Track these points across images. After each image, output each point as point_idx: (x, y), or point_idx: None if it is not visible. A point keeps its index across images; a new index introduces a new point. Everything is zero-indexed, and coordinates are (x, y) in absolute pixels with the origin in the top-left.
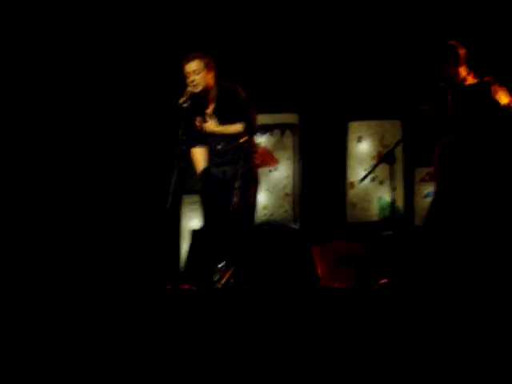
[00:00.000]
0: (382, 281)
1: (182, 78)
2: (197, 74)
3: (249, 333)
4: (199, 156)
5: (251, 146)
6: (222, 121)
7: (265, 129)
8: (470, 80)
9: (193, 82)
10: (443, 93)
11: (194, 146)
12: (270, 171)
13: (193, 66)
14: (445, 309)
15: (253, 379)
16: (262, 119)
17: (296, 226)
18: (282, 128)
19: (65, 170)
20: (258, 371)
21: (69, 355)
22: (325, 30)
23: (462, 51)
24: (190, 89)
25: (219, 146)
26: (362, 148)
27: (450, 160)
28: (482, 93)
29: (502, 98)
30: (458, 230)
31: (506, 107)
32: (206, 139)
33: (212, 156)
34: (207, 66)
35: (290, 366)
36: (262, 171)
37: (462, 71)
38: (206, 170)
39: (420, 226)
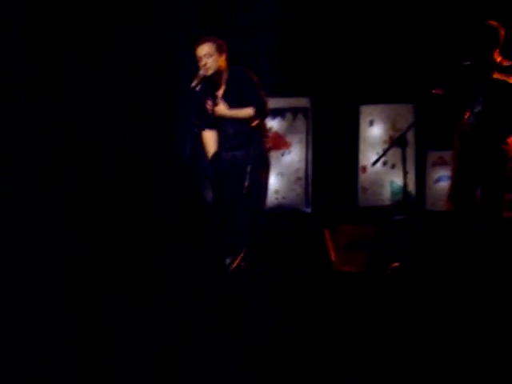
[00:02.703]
0: (394, 264)
1: (194, 62)
2: (208, 57)
3: (261, 316)
4: (210, 140)
5: (262, 130)
6: (233, 104)
7: (277, 112)
8: (503, 63)
9: (205, 65)
10: (469, 75)
11: (204, 129)
12: (282, 155)
13: (205, 50)
14: (457, 294)
15: (263, 363)
16: (274, 103)
17: (308, 210)
18: (294, 112)
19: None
20: (267, 355)
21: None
22: (337, 12)
23: (502, 33)
24: (202, 72)
25: (230, 130)
26: (374, 132)
27: (469, 147)
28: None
29: None
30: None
31: None
32: (217, 123)
33: (222, 140)
34: (219, 49)
35: (302, 349)
36: (274, 155)
37: (497, 55)
38: (216, 155)
39: (432, 210)
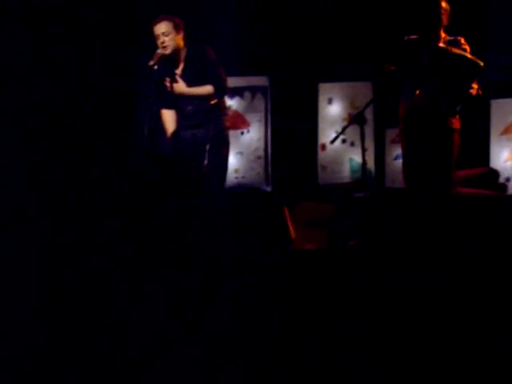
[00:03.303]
0: (353, 242)
1: (152, 39)
2: (166, 35)
3: (224, 294)
4: (169, 118)
5: (221, 109)
6: (192, 82)
7: (235, 92)
8: (445, 38)
9: (163, 43)
10: (416, 49)
11: (163, 107)
12: (241, 134)
13: (162, 28)
14: (414, 270)
15: (222, 343)
16: (233, 82)
17: (268, 189)
18: (253, 90)
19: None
20: (228, 336)
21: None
22: None
23: (447, 7)
24: (160, 51)
25: (189, 108)
26: (333, 110)
27: (415, 122)
28: (458, 57)
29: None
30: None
31: None
32: (176, 101)
33: (181, 119)
34: (176, 28)
35: (264, 328)
36: (233, 134)
37: (442, 31)
38: (175, 133)
39: (391, 187)
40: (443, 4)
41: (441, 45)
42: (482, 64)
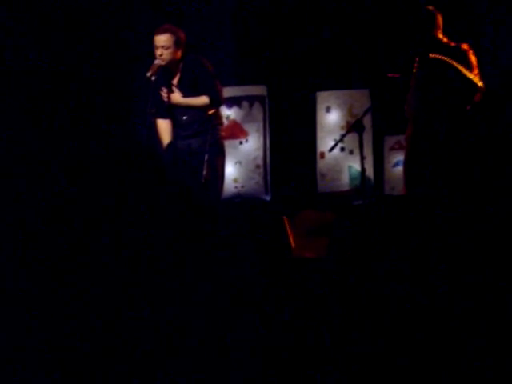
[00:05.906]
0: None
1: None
2: (166, 49)
3: (225, 304)
4: (164, 129)
5: (217, 118)
6: (188, 93)
7: (233, 101)
8: (449, 45)
9: (161, 55)
10: (420, 59)
11: (159, 117)
12: (240, 143)
13: (162, 41)
14: (414, 277)
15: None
16: (231, 91)
17: (267, 198)
18: (251, 100)
19: None
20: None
21: None
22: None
23: (439, 16)
24: (157, 62)
25: (185, 118)
26: (331, 118)
27: (419, 127)
28: (458, 66)
29: (474, 69)
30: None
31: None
32: (171, 112)
33: (177, 129)
34: (177, 43)
35: (264, 337)
36: (231, 144)
37: (440, 35)
38: (171, 144)
39: (390, 194)
40: (432, 12)
41: (439, 57)
42: (480, 84)
